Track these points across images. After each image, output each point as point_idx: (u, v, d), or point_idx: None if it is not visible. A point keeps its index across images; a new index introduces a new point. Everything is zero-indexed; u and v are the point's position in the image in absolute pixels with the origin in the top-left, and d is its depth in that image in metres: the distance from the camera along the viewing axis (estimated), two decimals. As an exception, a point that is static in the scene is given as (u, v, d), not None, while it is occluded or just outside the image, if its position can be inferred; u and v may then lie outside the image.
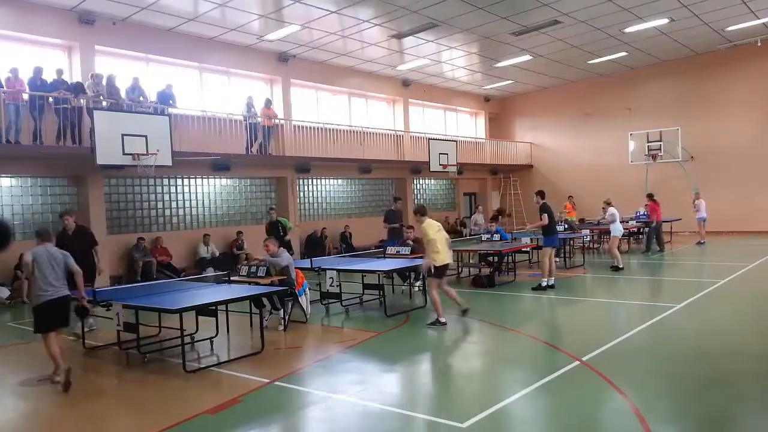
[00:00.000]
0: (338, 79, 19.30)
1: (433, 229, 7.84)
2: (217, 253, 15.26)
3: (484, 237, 13.35)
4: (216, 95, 16.38)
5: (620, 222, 13.46)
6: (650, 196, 15.85)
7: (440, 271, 7.89)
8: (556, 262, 13.46)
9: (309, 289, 8.82)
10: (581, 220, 17.80)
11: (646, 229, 17.33)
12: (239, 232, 15.83)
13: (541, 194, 10.79)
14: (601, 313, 8.99)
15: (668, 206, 17.89)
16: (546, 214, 10.29)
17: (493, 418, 4.55)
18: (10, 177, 12.69)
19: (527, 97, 25.40)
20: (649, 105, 21.53)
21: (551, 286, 10.43)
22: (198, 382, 5.93)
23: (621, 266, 12.47)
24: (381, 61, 18.71)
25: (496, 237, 12.96)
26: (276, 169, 17.08)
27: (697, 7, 15.10)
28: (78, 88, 12.50)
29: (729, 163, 19.80)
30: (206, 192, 16.11)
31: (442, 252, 7.82)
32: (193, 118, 14.67)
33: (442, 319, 7.87)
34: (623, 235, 16.69)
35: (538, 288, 10.36)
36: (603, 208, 13.60)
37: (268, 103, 16.36)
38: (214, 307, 6.94)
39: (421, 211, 8.11)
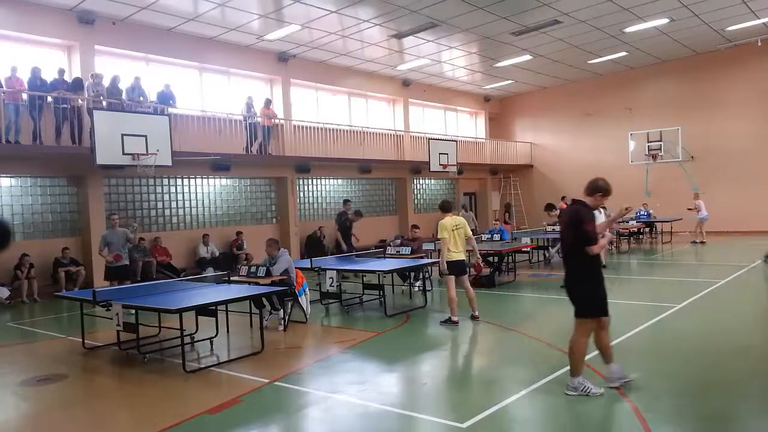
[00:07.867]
0: (338, 79, 19.28)
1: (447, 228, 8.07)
2: (217, 253, 15.26)
3: (485, 237, 13.34)
4: (216, 95, 16.37)
5: (618, 222, 13.46)
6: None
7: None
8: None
9: (309, 289, 8.83)
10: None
11: (646, 229, 17.35)
12: (239, 232, 15.84)
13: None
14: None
15: (668, 206, 17.90)
16: None
17: (493, 418, 4.55)
18: (10, 177, 12.67)
19: (527, 97, 25.38)
20: (649, 105, 21.52)
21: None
22: (198, 382, 5.93)
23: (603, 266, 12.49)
24: (381, 61, 18.70)
25: (497, 237, 12.96)
26: (276, 169, 17.07)
27: (697, 7, 15.10)
28: (77, 85, 12.49)
29: (729, 163, 19.78)
30: (206, 192, 16.10)
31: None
32: (192, 118, 14.66)
33: (455, 318, 7.94)
34: (623, 236, 16.68)
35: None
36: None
37: (268, 102, 16.36)
38: (214, 307, 6.93)
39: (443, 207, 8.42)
